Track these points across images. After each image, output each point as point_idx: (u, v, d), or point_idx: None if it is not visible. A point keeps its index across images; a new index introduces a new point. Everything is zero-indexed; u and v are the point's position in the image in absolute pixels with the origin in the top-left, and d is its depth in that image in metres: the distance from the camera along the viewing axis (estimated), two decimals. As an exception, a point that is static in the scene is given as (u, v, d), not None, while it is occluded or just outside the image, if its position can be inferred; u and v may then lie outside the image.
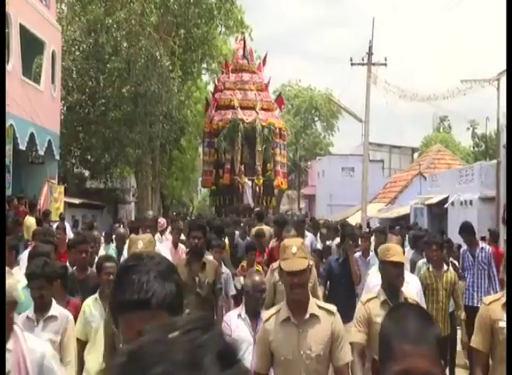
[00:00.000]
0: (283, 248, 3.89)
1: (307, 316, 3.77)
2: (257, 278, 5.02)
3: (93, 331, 5.11)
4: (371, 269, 7.44)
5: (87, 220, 15.41)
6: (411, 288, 5.58)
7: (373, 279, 5.98)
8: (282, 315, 3.82)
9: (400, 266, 4.53)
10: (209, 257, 6.93)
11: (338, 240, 11.16)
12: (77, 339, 4.97)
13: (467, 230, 8.76)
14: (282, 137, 31.47)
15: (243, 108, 29.85)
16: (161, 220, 12.78)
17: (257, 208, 24.98)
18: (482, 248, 8.62)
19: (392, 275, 4.48)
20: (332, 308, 3.93)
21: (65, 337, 4.58)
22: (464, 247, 8.87)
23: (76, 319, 5.00)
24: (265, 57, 32.45)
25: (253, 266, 8.33)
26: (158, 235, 11.83)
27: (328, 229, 12.62)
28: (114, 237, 10.42)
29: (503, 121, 20.11)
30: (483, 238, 11.85)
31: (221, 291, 6.52)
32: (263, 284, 5.02)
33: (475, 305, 7.99)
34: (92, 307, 5.20)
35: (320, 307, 3.87)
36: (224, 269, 7.58)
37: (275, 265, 6.03)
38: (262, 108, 30.20)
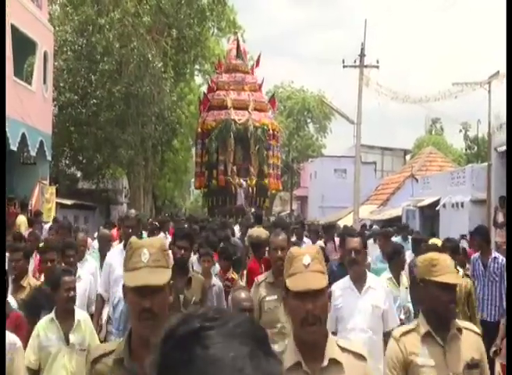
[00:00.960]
0: (290, 258, 2.69)
1: (325, 362, 2.57)
2: (240, 295, 4.16)
3: (50, 357, 4.41)
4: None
5: (60, 222, 12.34)
6: (379, 295, 4.95)
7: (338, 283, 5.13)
8: (290, 359, 2.59)
9: (453, 289, 3.22)
10: (195, 273, 6.08)
11: (320, 242, 11.04)
12: (28, 368, 4.25)
13: (482, 233, 7.95)
14: (276, 139, 31.11)
15: (236, 108, 29.49)
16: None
17: (251, 210, 24.82)
18: (495, 257, 7.71)
19: (440, 301, 3.13)
20: (362, 350, 2.75)
21: (11, 370, 3.81)
22: (476, 254, 8.01)
23: (16, 334, 4.03)
24: (259, 58, 32.19)
25: (228, 272, 7.74)
26: None
27: (309, 232, 12.46)
28: (96, 238, 9.58)
29: (495, 123, 20.19)
30: (464, 236, 11.73)
31: None
32: (245, 302, 4.07)
33: (485, 319, 7.45)
34: (47, 330, 4.46)
35: (343, 349, 2.65)
36: (214, 280, 6.76)
37: (260, 277, 5.21)
38: (255, 109, 29.84)
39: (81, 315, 4.73)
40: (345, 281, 5.04)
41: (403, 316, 6.35)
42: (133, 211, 6.81)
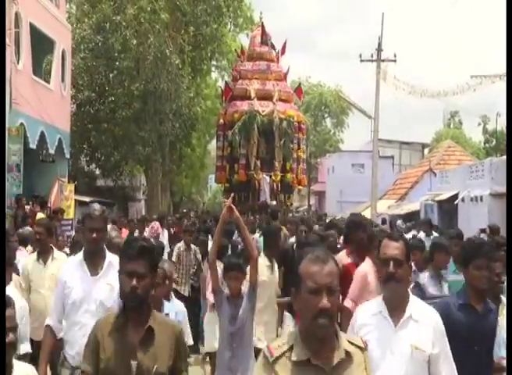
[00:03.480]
0: None
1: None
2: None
3: None
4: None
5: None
6: (424, 332, 3.30)
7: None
8: None
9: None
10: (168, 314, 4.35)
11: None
12: None
13: None
14: (302, 131, 29.10)
15: (259, 98, 27.52)
16: (155, 224, 11.51)
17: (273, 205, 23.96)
18: None
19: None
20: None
21: None
22: None
23: None
24: (284, 45, 30.04)
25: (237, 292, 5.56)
26: None
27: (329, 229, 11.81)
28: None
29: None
30: (483, 230, 11.62)
31: None
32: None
33: None
34: None
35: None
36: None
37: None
38: (280, 100, 27.83)
39: (22, 370, 3.16)
40: (375, 305, 3.42)
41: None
42: (97, 207, 4.74)
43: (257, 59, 28.65)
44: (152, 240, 11.04)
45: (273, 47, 29.29)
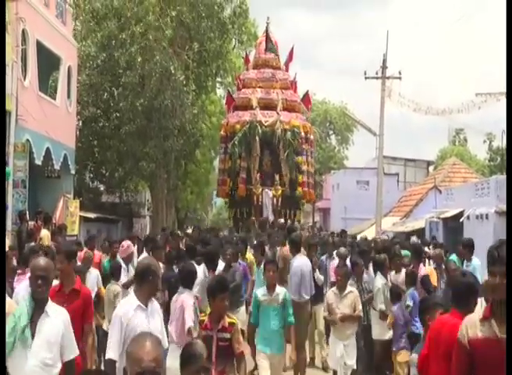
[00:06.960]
0: None
1: None
2: (141, 347, 2.71)
3: None
4: None
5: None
6: None
7: None
8: None
9: None
10: None
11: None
12: None
13: None
14: (309, 143, 27.44)
15: (263, 108, 26.23)
16: (125, 243, 10.35)
17: (280, 221, 22.88)
18: None
19: None
20: None
21: None
22: None
23: None
24: (292, 51, 28.53)
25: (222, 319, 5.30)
26: (121, 265, 9.39)
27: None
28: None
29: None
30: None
31: None
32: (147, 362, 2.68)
33: None
34: None
35: None
36: None
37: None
38: (285, 109, 26.39)
39: None
40: None
41: None
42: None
43: (262, 67, 27.51)
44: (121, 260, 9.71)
45: (272, 49, 27.51)
